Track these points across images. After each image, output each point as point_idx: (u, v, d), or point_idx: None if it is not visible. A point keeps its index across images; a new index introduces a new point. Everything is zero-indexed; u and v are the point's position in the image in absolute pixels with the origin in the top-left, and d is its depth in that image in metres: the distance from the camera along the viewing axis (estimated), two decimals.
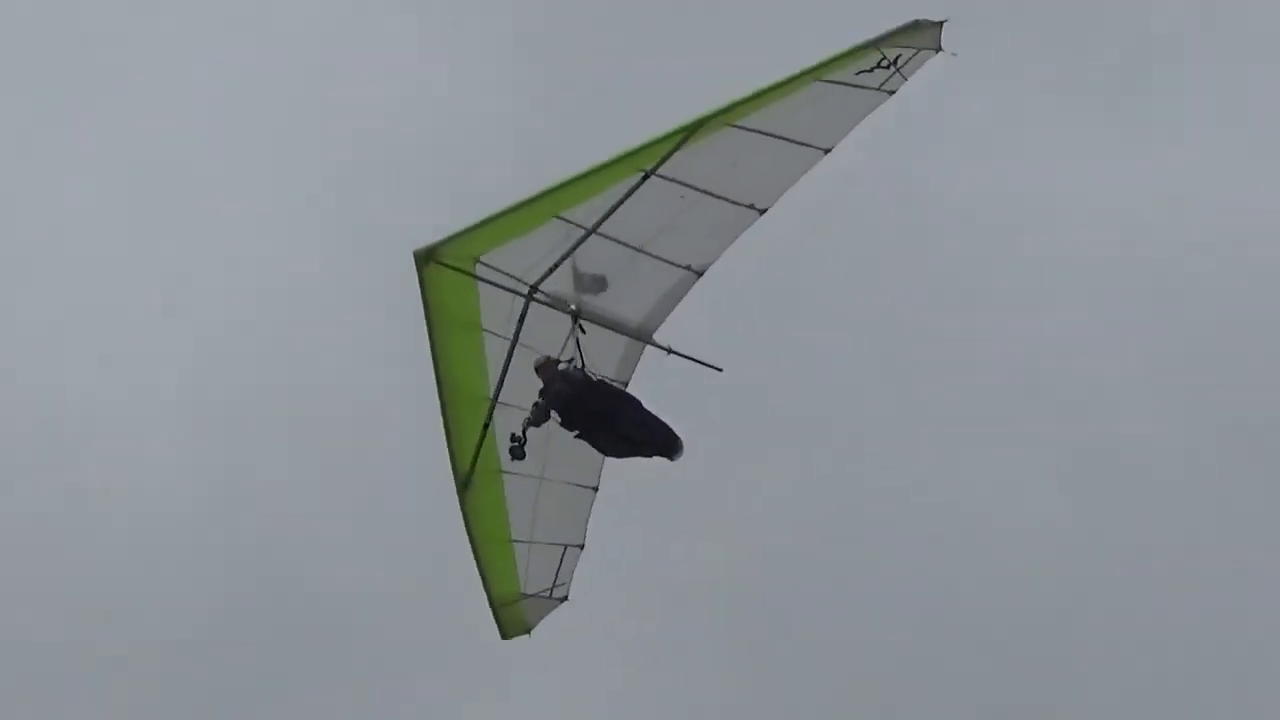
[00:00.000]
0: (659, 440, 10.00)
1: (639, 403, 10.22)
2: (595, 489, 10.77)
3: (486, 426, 10.11)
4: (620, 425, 10.01)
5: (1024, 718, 23.64)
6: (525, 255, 9.64)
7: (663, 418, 10.07)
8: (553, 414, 9.93)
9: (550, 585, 10.91)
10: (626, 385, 10.56)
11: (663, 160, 9.24)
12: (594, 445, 10.07)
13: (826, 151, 9.67)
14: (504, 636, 11.08)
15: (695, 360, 10.38)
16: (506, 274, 9.72)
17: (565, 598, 11.07)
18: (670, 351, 10.44)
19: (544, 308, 10.07)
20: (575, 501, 10.80)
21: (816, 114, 9.36)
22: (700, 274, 10.32)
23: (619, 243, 9.93)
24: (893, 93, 9.37)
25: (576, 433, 9.98)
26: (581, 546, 10.92)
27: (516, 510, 10.56)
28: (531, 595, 10.85)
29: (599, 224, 9.61)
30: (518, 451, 9.87)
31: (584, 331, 10.15)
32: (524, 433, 9.88)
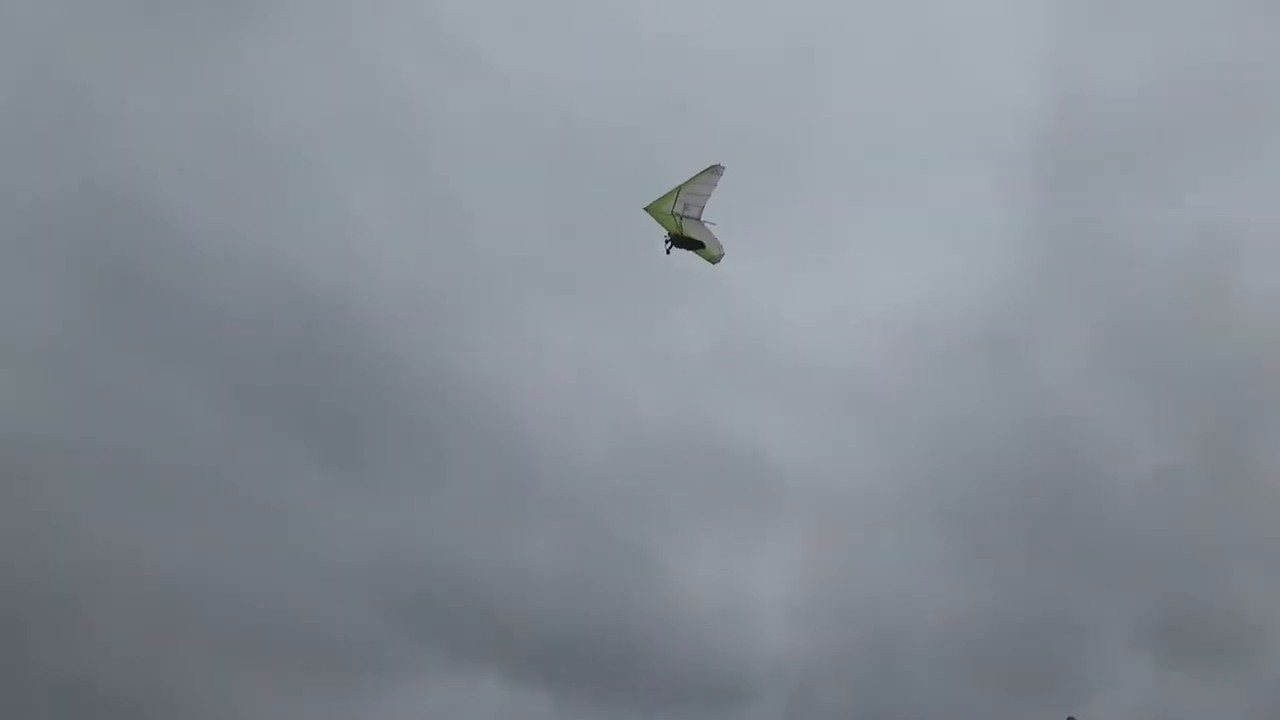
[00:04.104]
0: (691, 247, 41.82)
1: (686, 239, 41.46)
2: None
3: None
4: (681, 245, 41.24)
5: None
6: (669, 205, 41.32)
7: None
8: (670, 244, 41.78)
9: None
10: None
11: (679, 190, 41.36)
12: (679, 246, 40.86)
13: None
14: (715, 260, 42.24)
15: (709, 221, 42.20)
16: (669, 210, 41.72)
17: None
18: (708, 222, 41.86)
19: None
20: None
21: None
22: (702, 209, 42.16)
23: (685, 203, 41.47)
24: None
25: (674, 246, 41.73)
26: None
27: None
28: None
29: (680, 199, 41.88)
30: (668, 250, 41.75)
31: (683, 218, 41.41)
32: (669, 249, 41.46)
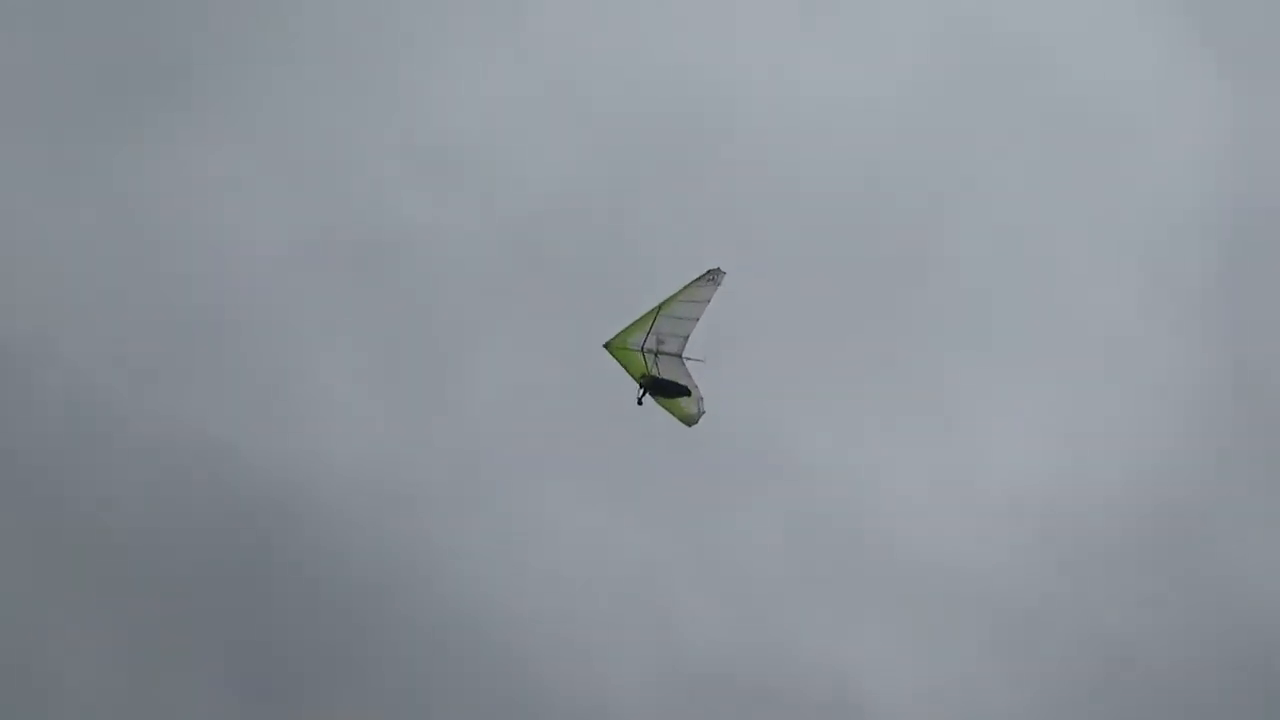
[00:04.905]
0: (672, 394, 29.05)
1: (665, 384, 28.90)
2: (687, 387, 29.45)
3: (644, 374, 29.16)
4: (660, 391, 28.82)
5: None
6: (636, 340, 28.46)
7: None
8: (643, 392, 29.06)
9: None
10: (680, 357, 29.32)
11: (656, 315, 28.31)
12: (652, 394, 28.71)
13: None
14: (691, 420, 29.15)
15: (691, 358, 28.76)
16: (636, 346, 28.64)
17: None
18: (687, 358, 28.86)
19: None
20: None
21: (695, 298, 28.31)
22: (685, 341, 28.91)
23: (659, 336, 28.56)
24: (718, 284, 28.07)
25: (647, 394, 28.96)
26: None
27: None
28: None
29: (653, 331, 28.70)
30: (640, 400, 28.60)
31: (657, 357, 28.69)
32: (640, 399, 28.69)
